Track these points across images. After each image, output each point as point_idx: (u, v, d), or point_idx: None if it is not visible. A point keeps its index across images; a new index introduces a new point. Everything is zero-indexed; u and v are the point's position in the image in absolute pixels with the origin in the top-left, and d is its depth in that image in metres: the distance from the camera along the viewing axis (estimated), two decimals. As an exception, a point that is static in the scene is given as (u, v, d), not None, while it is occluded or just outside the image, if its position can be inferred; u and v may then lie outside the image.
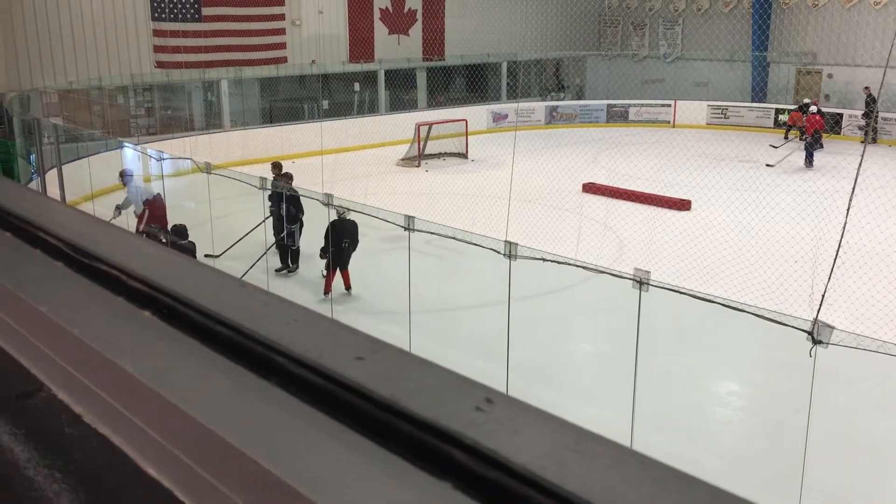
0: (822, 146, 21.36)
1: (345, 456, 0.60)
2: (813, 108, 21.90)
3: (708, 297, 7.18)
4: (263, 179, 12.06)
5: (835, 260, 7.48)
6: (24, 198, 1.26)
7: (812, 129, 21.06)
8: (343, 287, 11.59)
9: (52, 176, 15.96)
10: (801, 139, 22.08)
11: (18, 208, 1.18)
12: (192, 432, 0.65)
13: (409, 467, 0.58)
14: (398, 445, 0.60)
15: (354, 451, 0.61)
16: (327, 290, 11.44)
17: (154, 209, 13.20)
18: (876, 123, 23.19)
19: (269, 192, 12.51)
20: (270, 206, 12.72)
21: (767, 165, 20.37)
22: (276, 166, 14.19)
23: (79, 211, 1.24)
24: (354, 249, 11.54)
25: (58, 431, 0.78)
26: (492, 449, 0.56)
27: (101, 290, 0.92)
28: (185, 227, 11.36)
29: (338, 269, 11.45)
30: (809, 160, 20.59)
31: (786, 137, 23.22)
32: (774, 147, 21.94)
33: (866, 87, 23.49)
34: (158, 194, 13.90)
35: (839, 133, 24.13)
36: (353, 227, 11.41)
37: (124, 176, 14.43)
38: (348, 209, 11.00)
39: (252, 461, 0.60)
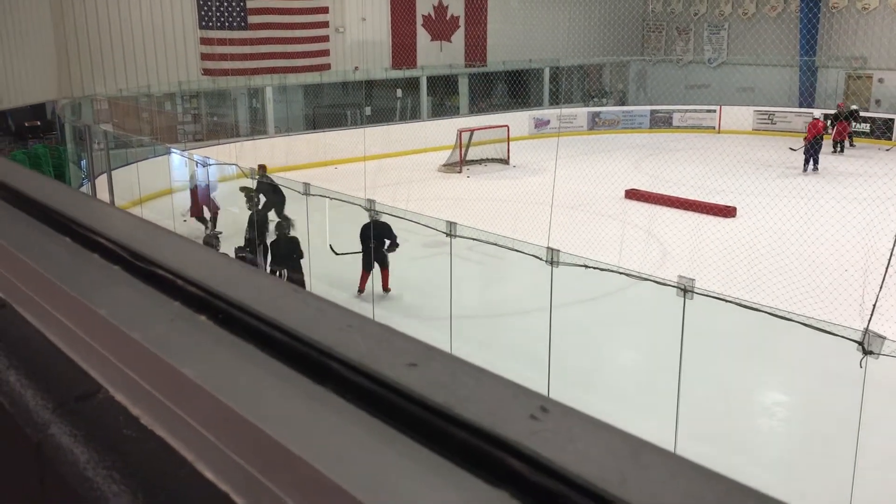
0: (814, 151, 20.68)
1: (400, 462, 0.60)
2: (816, 113, 21.50)
3: (754, 306, 7.06)
4: (307, 185, 12.18)
5: (886, 268, 7.31)
6: (81, 202, 1.29)
7: (812, 136, 20.55)
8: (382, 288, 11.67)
9: (101, 181, 16.32)
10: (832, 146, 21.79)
11: (76, 213, 1.20)
12: (249, 436, 0.66)
13: (465, 475, 0.58)
14: (453, 453, 0.60)
15: (410, 457, 0.61)
16: (361, 288, 11.54)
17: (194, 200, 14.38)
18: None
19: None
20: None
21: (791, 149, 21.01)
22: (261, 167, 15.24)
23: (135, 216, 1.26)
24: (393, 249, 11.57)
25: (116, 433, 0.79)
26: (549, 458, 0.55)
27: (158, 294, 0.93)
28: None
29: (371, 270, 11.53)
30: (812, 165, 20.28)
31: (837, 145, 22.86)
32: (793, 150, 21.69)
33: None
34: (204, 187, 14.49)
35: (890, 139, 23.61)
36: (384, 227, 11.46)
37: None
38: (380, 211, 11.12)
39: (308, 465, 0.60)
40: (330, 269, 12.61)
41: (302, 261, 11.63)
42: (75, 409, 0.86)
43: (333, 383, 0.71)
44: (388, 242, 11.53)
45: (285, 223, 11.86)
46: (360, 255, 11.60)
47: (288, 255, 11.52)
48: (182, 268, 0.93)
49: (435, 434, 0.62)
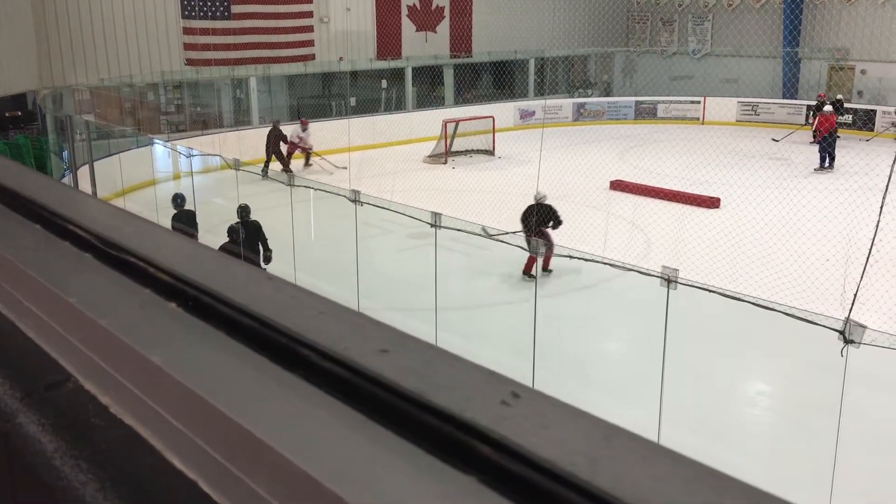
0: (830, 146, 19.71)
1: (369, 448, 0.59)
2: (828, 108, 20.79)
3: (737, 296, 7.10)
4: (291, 175, 12.12)
5: (867, 258, 7.37)
6: (52, 190, 1.27)
7: (826, 130, 19.66)
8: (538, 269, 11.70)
9: (83, 172, 16.16)
10: (813, 141, 20.88)
11: (47, 200, 1.19)
12: (219, 425, 0.65)
13: (433, 461, 0.57)
14: (423, 439, 0.60)
15: (379, 443, 0.60)
16: (525, 270, 11.59)
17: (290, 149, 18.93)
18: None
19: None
20: None
21: (773, 140, 21.15)
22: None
23: (107, 203, 1.25)
24: (556, 227, 11.74)
25: (85, 422, 0.78)
26: (518, 444, 0.55)
27: (129, 281, 0.92)
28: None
29: (537, 253, 11.51)
30: (827, 161, 19.53)
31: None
32: (776, 140, 21.53)
33: None
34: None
35: (872, 130, 23.77)
36: (548, 210, 11.80)
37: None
38: (544, 195, 11.84)
39: (277, 453, 0.60)
40: (315, 259, 12.58)
41: (270, 245, 11.30)
42: (44, 398, 0.84)
43: (304, 370, 0.70)
44: (551, 223, 11.69)
45: (245, 207, 11.52)
46: (517, 235, 11.59)
47: (245, 239, 11.19)
48: (153, 255, 0.92)
49: (405, 420, 0.61)
